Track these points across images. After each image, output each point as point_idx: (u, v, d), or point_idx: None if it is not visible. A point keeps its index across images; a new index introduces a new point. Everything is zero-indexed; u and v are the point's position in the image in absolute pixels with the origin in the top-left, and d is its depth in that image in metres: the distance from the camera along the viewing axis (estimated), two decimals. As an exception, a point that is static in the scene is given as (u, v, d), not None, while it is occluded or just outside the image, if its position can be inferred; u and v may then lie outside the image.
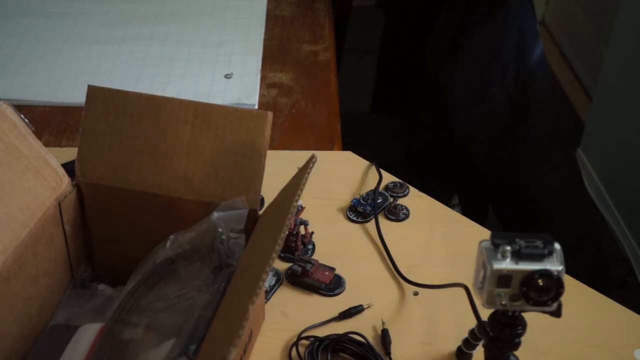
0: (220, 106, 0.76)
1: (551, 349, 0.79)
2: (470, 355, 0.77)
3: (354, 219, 0.96)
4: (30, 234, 0.70)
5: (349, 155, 1.08)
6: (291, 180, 0.72)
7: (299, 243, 0.89)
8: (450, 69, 1.49)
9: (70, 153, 0.85)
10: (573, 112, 2.57)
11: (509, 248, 0.62)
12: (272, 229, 0.66)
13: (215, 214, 0.73)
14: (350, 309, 0.82)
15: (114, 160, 0.77)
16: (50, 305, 0.76)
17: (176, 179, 0.76)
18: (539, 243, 0.62)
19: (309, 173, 0.67)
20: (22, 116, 0.73)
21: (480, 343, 0.73)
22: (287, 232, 0.64)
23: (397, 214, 0.96)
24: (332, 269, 0.87)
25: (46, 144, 0.78)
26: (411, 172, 1.43)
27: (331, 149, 1.12)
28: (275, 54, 1.35)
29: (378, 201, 0.97)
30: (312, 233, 0.92)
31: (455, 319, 0.82)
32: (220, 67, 1.29)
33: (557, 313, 0.64)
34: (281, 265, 0.88)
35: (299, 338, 0.79)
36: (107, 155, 0.77)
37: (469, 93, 1.49)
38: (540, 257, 0.62)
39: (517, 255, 0.62)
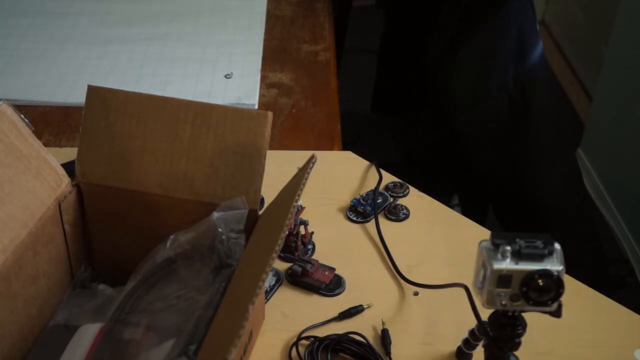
0: (220, 106, 0.76)
1: (551, 349, 0.79)
2: (470, 355, 0.77)
3: (354, 219, 0.96)
4: (30, 234, 0.70)
5: (349, 155, 1.08)
6: (291, 180, 0.72)
7: (299, 243, 0.89)
8: (450, 68, 1.49)
9: (70, 153, 0.85)
10: (573, 112, 2.57)
11: (509, 248, 0.62)
12: (272, 229, 0.66)
13: (215, 214, 0.73)
14: (350, 309, 0.82)
15: (114, 160, 0.77)
16: (50, 305, 0.76)
17: (176, 179, 0.76)
18: (539, 243, 0.62)
19: (309, 173, 0.67)
20: (22, 116, 0.73)
21: (480, 343, 0.73)
22: (287, 232, 0.64)
23: (397, 214, 0.96)
24: (332, 269, 0.88)
25: (46, 144, 0.78)
26: (411, 172, 1.43)
27: (331, 149, 1.12)
28: (275, 54, 1.35)
29: (378, 201, 0.97)
30: (312, 233, 0.92)
31: (455, 319, 0.82)
32: (220, 67, 1.29)
33: (557, 313, 0.64)
34: (281, 265, 0.88)
35: (299, 338, 0.79)
36: (107, 155, 0.77)
37: (469, 93, 1.49)
38: (540, 257, 0.62)
39: (517, 255, 0.62)
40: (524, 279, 0.62)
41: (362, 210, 0.96)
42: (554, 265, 0.62)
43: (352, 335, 0.79)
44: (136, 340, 0.68)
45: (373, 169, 1.04)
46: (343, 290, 0.86)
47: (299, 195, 0.64)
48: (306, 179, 0.66)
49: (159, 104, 0.77)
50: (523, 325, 0.67)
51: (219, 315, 0.66)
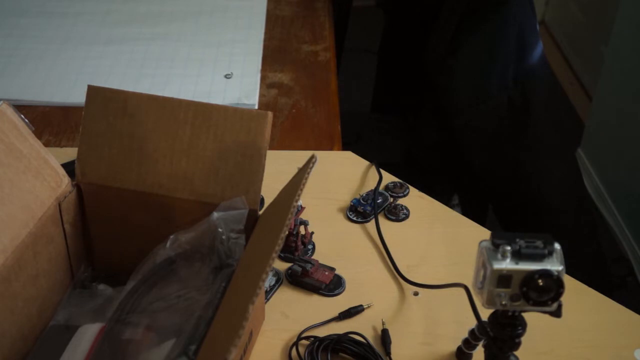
0: (220, 106, 0.76)
1: (551, 349, 0.79)
2: (470, 355, 0.77)
3: (354, 219, 0.96)
4: (30, 234, 0.70)
5: (349, 155, 1.08)
6: (291, 180, 0.72)
7: (299, 243, 0.89)
8: (450, 69, 1.49)
9: (70, 153, 0.85)
10: (573, 112, 2.57)
11: (509, 248, 0.62)
12: (272, 229, 0.66)
13: (215, 214, 0.73)
14: (350, 309, 0.82)
15: (114, 160, 0.77)
16: (50, 305, 0.76)
17: (176, 179, 0.76)
18: (539, 243, 0.62)
19: (309, 173, 0.67)
20: (22, 116, 0.73)
21: (480, 343, 0.73)
22: (287, 232, 0.63)
23: (397, 214, 0.96)
24: (332, 269, 0.87)
25: (46, 144, 0.78)
26: (411, 172, 1.43)
27: (331, 149, 1.12)
28: (275, 54, 1.35)
29: (378, 201, 0.97)
30: (312, 233, 0.92)
31: (455, 319, 0.82)
32: (220, 67, 1.29)
33: (557, 313, 0.64)
34: (281, 265, 0.88)
35: (299, 338, 0.79)
36: (107, 155, 0.77)
37: (469, 93, 1.49)
38: (540, 257, 0.62)
39: (517, 255, 0.62)
40: (524, 279, 0.62)
41: (362, 210, 0.96)
42: (554, 265, 0.62)
43: (352, 335, 0.79)
44: (136, 340, 0.68)
45: (373, 169, 1.04)
46: (343, 290, 0.86)
47: (299, 195, 0.64)
48: (306, 179, 0.66)
49: (159, 104, 0.77)
50: (523, 325, 0.67)
51: (219, 315, 0.66)
